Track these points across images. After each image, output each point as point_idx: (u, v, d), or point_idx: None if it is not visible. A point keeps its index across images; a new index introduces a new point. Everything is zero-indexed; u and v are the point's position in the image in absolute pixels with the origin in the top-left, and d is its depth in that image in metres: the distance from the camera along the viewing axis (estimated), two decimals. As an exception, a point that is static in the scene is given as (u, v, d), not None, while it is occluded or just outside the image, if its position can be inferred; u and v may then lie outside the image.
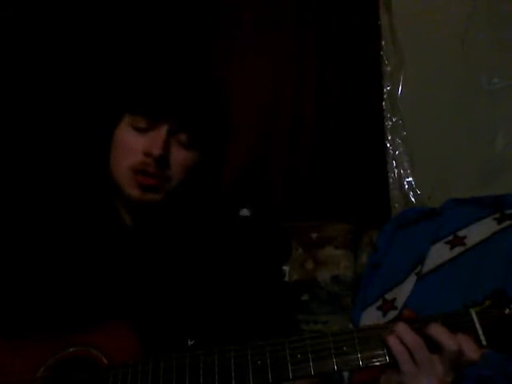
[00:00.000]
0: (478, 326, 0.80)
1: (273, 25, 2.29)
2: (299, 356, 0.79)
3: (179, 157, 1.02)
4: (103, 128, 1.07)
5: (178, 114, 1.01)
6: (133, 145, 1.01)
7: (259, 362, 0.81)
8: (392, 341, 0.80)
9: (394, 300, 1.84)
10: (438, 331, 0.82)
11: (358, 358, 0.78)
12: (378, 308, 1.87)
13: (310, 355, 0.79)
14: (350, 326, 1.91)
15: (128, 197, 1.03)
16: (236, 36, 2.32)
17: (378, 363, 0.78)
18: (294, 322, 1.16)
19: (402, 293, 1.83)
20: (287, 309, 1.14)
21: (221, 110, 1.11)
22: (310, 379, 0.83)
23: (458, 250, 1.81)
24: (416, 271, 1.84)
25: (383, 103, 2.19)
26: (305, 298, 1.97)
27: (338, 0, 2.23)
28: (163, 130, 1.00)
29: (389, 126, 2.18)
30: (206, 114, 1.05)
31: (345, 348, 0.78)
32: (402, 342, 0.80)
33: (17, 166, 2.12)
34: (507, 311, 0.79)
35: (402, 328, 0.82)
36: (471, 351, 0.79)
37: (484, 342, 0.79)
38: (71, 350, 0.92)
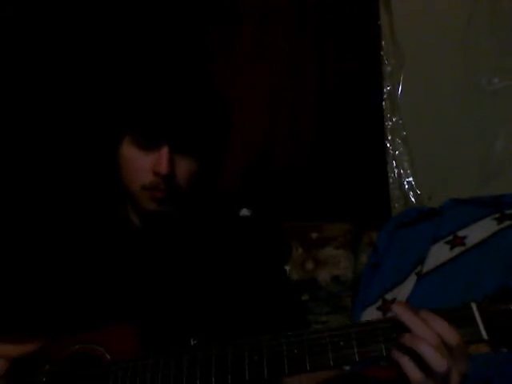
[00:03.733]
0: (478, 319, 0.78)
1: (273, 25, 2.30)
2: (296, 351, 0.79)
3: (185, 168, 1.04)
4: (107, 143, 1.10)
5: (176, 136, 1.03)
6: (140, 164, 1.04)
7: (255, 357, 0.81)
8: (397, 354, 0.78)
9: (393, 300, 1.84)
10: (399, 311, 0.79)
11: (354, 352, 0.77)
12: (378, 308, 1.87)
13: (306, 350, 0.79)
14: (350, 326, 1.91)
15: (143, 209, 1.06)
16: (237, 37, 2.32)
17: (374, 355, 0.77)
18: (303, 321, 1.16)
19: (402, 293, 1.83)
20: (294, 307, 1.14)
21: (221, 118, 1.12)
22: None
23: (458, 250, 1.81)
24: (416, 271, 1.84)
25: (383, 103, 2.19)
26: (305, 297, 1.97)
27: (337, 0, 2.24)
28: (164, 151, 1.02)
29: (389, 126, 2.18)
30: (207, 128, 1.07)
31: (341, 343, 0.78)
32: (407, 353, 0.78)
33: (26, 170, 2.13)
34: (510, 306, 0.78)
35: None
36: (448, 335, 0.76)
37: (485, 337, 0.77)
38: (76, 347, 0.94)
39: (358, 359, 0.76)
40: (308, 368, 0.77)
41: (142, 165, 1.03)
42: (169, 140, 1.02)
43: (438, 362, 0.74)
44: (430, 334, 0.76)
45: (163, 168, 1.00)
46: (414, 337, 0.76)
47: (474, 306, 0.79)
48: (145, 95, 1.05)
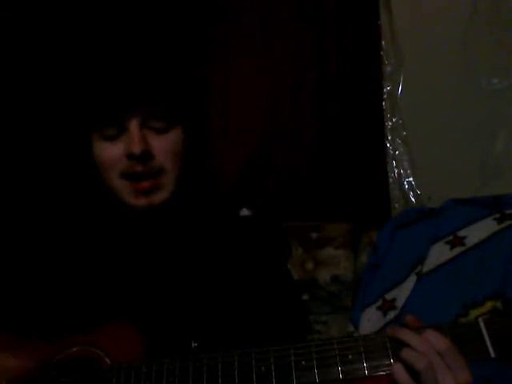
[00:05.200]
0: (486, 337, 0.77)
1: (273, 25, 2.29)
2: (304, 363, 0.78)
3: (161, 143, 0.99)
4: (79, 150, 1.05)
5: (139, 108, 0.97)
6: (113, 155, 0.99)
7: (263, 368, 0.80)
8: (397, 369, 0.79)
9: (393, 300, 1.85)
10: (402, 333, 0.80)
11: (363, 367, 0.77)
12: (378, 308, 1.87)
13: (314, 362, 0.78)
14: (350, 326, 1.92)
15: (135, 207, 1.01)
16: (236, 37, 2.31)
17: (383, 373, 0.78)
18: (305, 322, 1.15)
19: (402, 293, 1.83)
20: (297, 308, 1.13)
21: (181, 81, 1.05)
22: None
23: (458, 250, 1.82)
24: (416, 271, 1.84)
25: (383, 103, 2.19)
26: (305, 297, 1.97)
27: (337, 0, 2.23)
28: (133, 127, 0.97)
29: (389, 126, 2.18)
30: (167, 92, 1.01)
31: (350, 356, 0.77)
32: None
33: (18, 171, 2.12)
34: None
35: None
36: (437, 341, 0.78)
37: (493, 355, 0.77)
38: (74, 349, 0.91)
39: (367, 374, 0.76)
40: (317, 380, 0.77)
41: (115, 154, 0.98)
42: (130, 111, 0.96)
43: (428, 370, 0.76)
44: (422, 345, 0.77)
45: (135, 145, 0.95)
46: (410, 350, 0.78)
47: (481, 323, 0.78)
48: (86, 79, 1.00)
